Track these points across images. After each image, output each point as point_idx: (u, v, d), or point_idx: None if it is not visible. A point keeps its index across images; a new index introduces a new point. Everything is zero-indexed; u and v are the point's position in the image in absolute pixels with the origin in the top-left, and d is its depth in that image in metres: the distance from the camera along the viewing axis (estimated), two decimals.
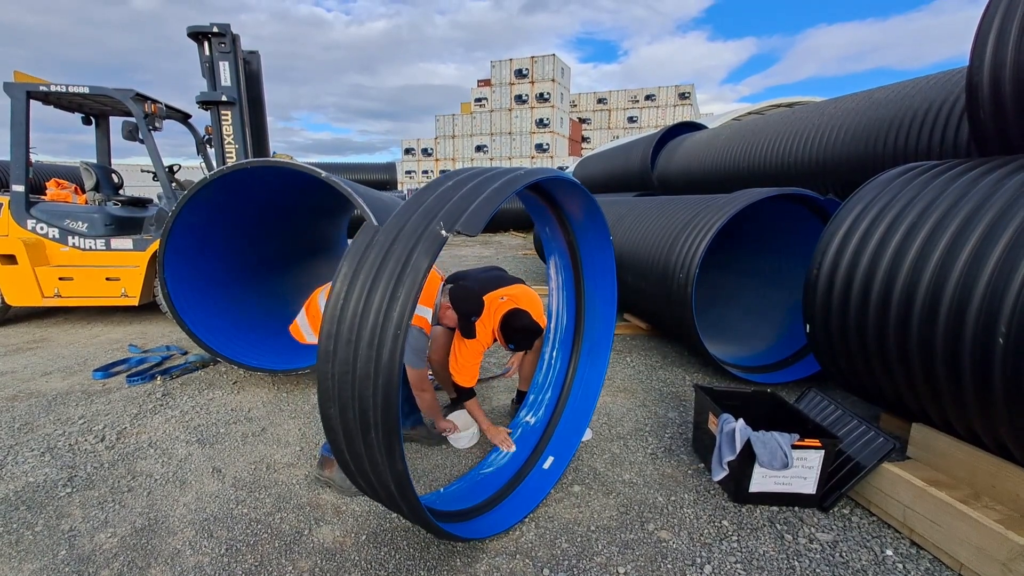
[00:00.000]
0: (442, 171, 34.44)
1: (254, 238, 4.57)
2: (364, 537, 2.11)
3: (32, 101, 5.35)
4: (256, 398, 3.51)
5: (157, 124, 5.45)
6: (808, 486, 2.39)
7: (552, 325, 2.99)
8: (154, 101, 5.51)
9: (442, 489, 2.41)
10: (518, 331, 2.59)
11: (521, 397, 3.30)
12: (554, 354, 2.99)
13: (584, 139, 22.96)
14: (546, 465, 2.57)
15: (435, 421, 2.85)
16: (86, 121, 6.27)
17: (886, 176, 3.24)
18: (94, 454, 2.72)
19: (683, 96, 38.39)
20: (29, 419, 3.11)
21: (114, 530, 2.12)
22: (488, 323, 2.69)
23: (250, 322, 4.18)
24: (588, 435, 3.03)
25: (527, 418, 2.89)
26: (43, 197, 5.74)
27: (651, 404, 3.56)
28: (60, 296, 5.21)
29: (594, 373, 2.86)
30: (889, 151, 4.55)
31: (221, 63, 5.52)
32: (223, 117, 5.65)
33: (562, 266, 2.86)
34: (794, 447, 2.32)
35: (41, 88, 5.15)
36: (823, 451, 2.35)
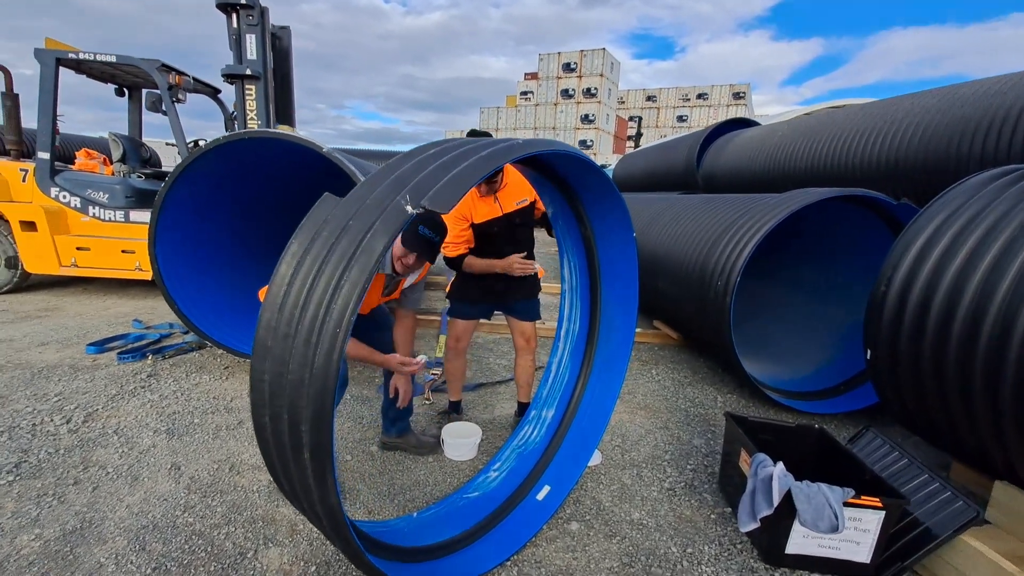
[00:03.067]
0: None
1: (259, 218, 4.35)
2: (314, 568, 1.79)
3: (68, 70, 5.36)
4: (243, 386, 3.28)
5: (180, 96, 5.34)
6: (861, 553, 1.93)
7: (562, 332, 2.60)
8: (180, 73, 5.40)
9: (415, 514, 2.07)
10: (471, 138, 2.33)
11: (523, 410, 2.94)
12: (562, 364, 2.60)
13: (633, 137, 21.97)
14: (540, 496, 2.19)
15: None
16: (119, 92, 6.25)
17: (976, 180, 2.70)
18: (54, 437, 2.52)
19: (738, 96, 36.78)
20: (5, 392, 2.96)
21: (40, 531, 1.88)
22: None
23: (247, 306, 3.96)
24: (597, 458, 2.64)
25: (526, 436, 2.51)
26: (71, 166, 5.75)
27: (674, 427, 3.12)
28: (77, 266, 5.17)
29: (607, 390, 2.46)
30: (976, 153, 3.92)
31: (248, 36, 5.35)
32: (247, 92, 5.48)
33: (577, 265, 2.46)
34: (847, 505, 1.86)
35: (70, 55, 5.10)
36: (884, 512, 1.88)
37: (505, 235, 2.51)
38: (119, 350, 3.67)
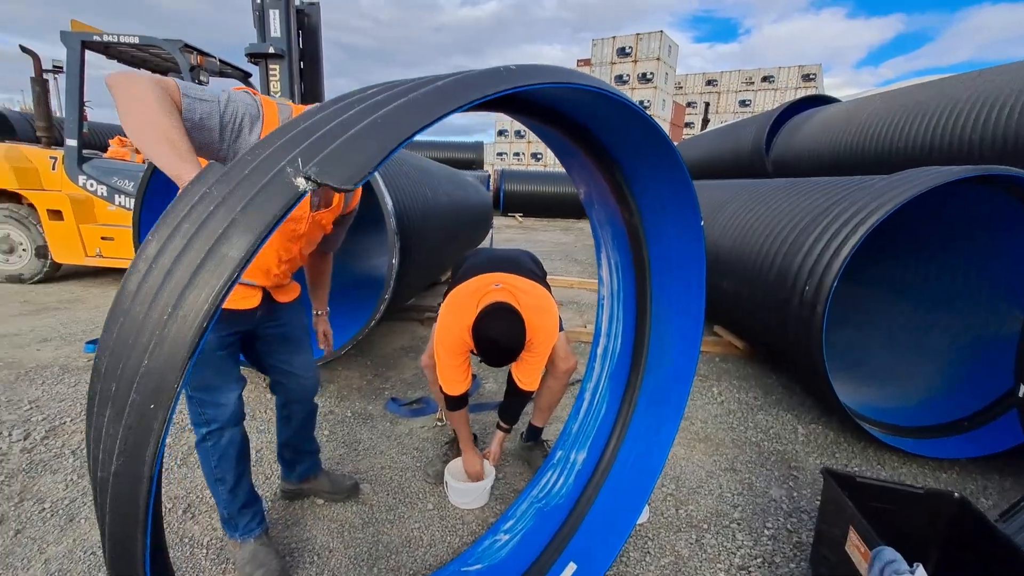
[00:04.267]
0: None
1: None
2: None
3: (97, 54, 5.22)
4: None
5: (203, 78, 5.07)
6: None
7: (599, 349, 2.01)
8: (202, 53, 5.13)
9: None
10: (483, 341, 1.76)
11: (533, 436, 2.39)
12: (599, 392, 2.01)
13: (700, 123, 20.33)
14: None
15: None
16: None
17: None
18: (3, 458, 2.19)
19: (807, 78, 34.09)
20: None
21: None
22: (467, 313, 1.82)
23: None
24: (644, 514, 2.04)
25: (548, 485, 1.95)
26: (103, 154, 5.64)
27: (743, 468, 2.47)
28: (101, 256, 5.04)
29: (658, 431, 1.85)
30: None
31: (272, 11, 5.01)
32: (271, 72, 5.15)
33: (619, 264, 1.86)
34: None
35: (95, 38, 4.93)
36: None
37: None
38: None
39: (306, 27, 5.55)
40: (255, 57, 5.10)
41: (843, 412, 2.64)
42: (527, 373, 1.99)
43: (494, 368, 2.13)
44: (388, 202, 2.69)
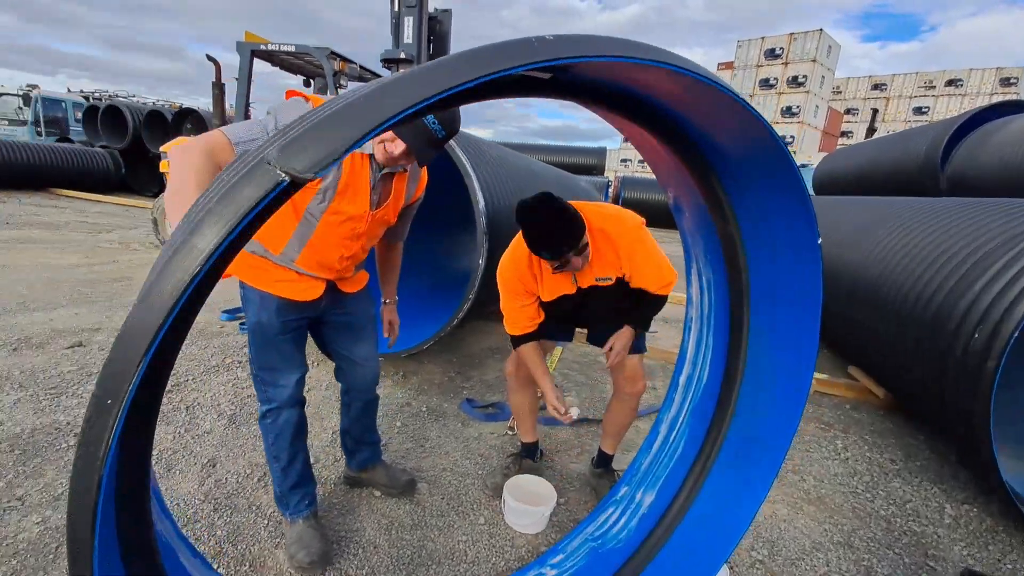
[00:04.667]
0: None
1: None
2: None
3: (260, 61, 5.98)
4: (326, 376, 3.05)
5: (343, 82, 5.55)
6: None
7: (681, 378, 1.75)
8: (345, 60, 5.62)
9: None
10: (524, 216, 1.59)
11: (603, 463, 2.17)
12: (678, 427, 1.75)
13: (866, 131, 17.31)
14: None
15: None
16: (306, 83, 6.84)
17: None
18: None
19: (1007, 82, 28.46)
20: None
21: (50, 515, 1.75)
22: (523, 244, 1.70)
23: None
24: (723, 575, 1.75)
25: (607, 524, 1.74)
26: None
27: (863, 546, 2.02)
28: None
29: (746, 486, 1.55)
30: None
31: (406, 19, 5.32)
32: None
33: (712, 282, 1.60)
34: None
35: (261, 47, 5.64)
36: None
37: (578, 309, 1.92)
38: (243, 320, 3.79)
39: (436, 33, 5.82)
40: (389, 62, 5.46)
41: (1006, 493, 2.05)
42: (648, 280, 1.82)
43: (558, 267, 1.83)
44: (480, 201, 2.66)
